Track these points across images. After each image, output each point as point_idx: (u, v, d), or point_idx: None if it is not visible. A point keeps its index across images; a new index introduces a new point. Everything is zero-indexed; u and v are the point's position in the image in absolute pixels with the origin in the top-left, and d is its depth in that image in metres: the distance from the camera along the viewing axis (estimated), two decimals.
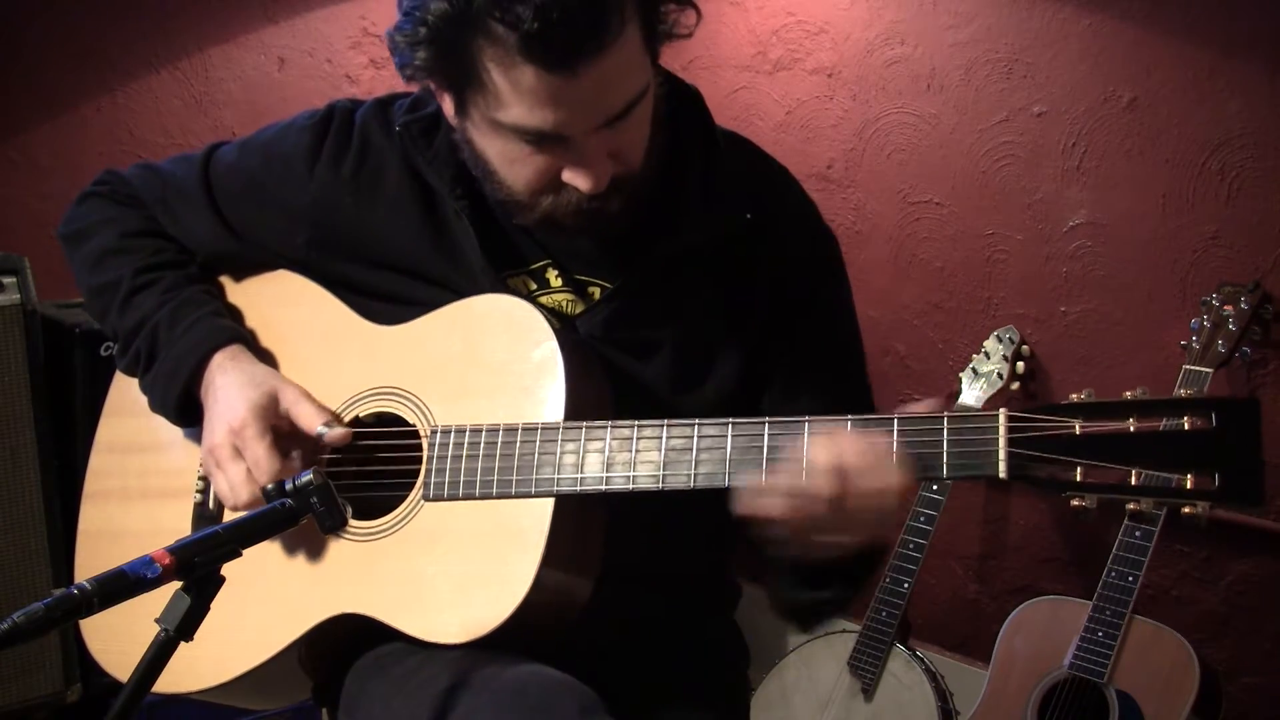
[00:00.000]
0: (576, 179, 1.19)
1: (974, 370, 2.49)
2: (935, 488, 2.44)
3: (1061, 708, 2.20)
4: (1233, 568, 2.41)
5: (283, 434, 1.33)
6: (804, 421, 1.11)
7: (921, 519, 2.43)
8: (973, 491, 2.73)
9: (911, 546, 2.43)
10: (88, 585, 0.93)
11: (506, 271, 1.36)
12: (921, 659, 2.44)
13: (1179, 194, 2.33)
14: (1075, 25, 2.40)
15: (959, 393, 2.51)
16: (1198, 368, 2.14)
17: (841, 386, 1.38)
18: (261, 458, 1.29)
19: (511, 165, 1.21)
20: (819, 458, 1.09)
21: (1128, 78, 2.35)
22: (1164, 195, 2.35)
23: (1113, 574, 2.16)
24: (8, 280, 2.07)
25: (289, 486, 1.13)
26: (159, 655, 1.00)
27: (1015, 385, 2.49)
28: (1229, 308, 2.15)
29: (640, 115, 1.20)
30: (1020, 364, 2.48)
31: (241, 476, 1.31)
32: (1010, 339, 2.50)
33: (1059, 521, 2.63)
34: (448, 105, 1.24)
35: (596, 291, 1.36)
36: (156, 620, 1.01)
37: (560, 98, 1.11)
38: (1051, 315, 2.53)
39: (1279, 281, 2.23)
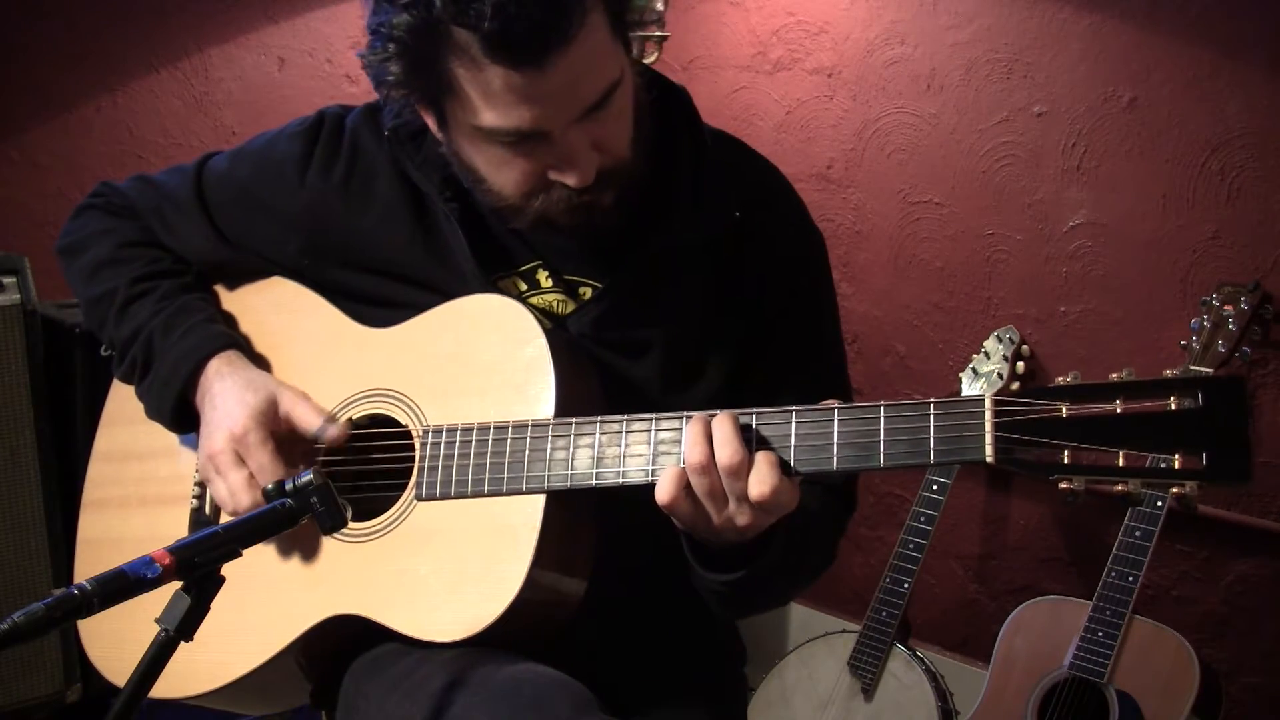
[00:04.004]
0: (564, 175, 1.19)
1: (974, 370, 2.49)
2: (935, 488, 2.44)
3: (1061, 708, 2.20)
4: (1233, 568, 2.41)
5: (281, 438, 1.34)
6: (790, 411, 1.11)
7: (921, 519, 2.43)
8: (973, 491, 2.73)
9: (911, 546, 2.43)
10: (88, 585, 0.93)
11: (497, 274, 1.36)
12: (921, 659, 2.44)
13: (1179, 194, 2.33)
14: (1075, 25, 2.40)
15: (959, 392, 2.51)
16: (1198, 368, 2.14)
17: (822, 386, 1.38)
18: (266, 463, 1.30)
19: (499, 170, 1.21)
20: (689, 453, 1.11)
21: (1128, 78, 2.35)
22: (1164, 195, 2.35)
23: (1113, 574, 2.16)
24: (8, 280, 2.07)
25: (289, 487, 1.13)
26: (159, 655, 1.00)
27: (1015, 385, 2.49)
28: (1229, 308, 2.15)
29: (619, 105, 1.19)
30: (1020, 364, 2.48)
31: (242, 482, 1.31)
32: (1010, 339, 2.50)
33: (1059, 521, 2.63)
34: (431, 121, 1.24)
35: (587, 291, 1.37)
36: (156, 620, 1.01)
37: (532, 94, 1.11)
38: (1051, 315, 2.53)
39: (1279, 281, 2.23)
